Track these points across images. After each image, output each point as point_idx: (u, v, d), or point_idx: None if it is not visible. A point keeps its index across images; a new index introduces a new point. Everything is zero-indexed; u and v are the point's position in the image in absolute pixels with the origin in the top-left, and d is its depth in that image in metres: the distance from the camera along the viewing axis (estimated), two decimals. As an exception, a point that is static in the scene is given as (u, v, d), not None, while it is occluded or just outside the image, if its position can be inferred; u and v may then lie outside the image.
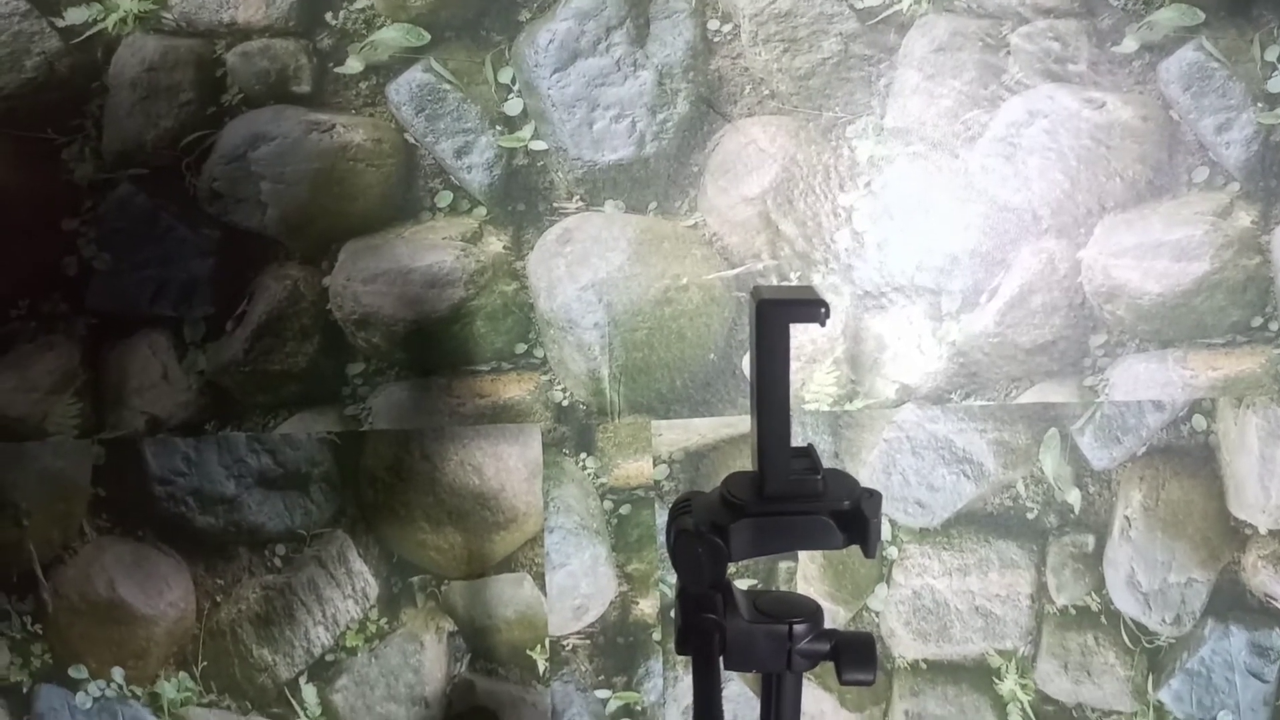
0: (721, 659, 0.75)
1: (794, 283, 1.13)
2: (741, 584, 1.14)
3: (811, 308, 0.71)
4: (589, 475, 1.16)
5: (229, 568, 1.17)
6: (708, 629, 0.74)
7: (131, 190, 1.10)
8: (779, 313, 0.71)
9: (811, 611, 0.77)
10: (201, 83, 1.09)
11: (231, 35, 1.09)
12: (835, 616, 1.18)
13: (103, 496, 1.15)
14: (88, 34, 1.08)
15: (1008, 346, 1.15)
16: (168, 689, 1.19)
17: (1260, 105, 1.12)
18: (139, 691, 1.19)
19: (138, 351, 1.13)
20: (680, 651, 0.76)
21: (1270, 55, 1.11)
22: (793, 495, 0.73)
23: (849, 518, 0.73)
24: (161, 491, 1.15)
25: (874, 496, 0.74)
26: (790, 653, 0.75)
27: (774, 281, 1.13)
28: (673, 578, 1.13)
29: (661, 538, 1.16)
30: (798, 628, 0.75)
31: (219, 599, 1.17)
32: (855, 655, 0.76)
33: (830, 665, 0.76)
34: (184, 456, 1.15)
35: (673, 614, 0.78)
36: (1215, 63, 1.11)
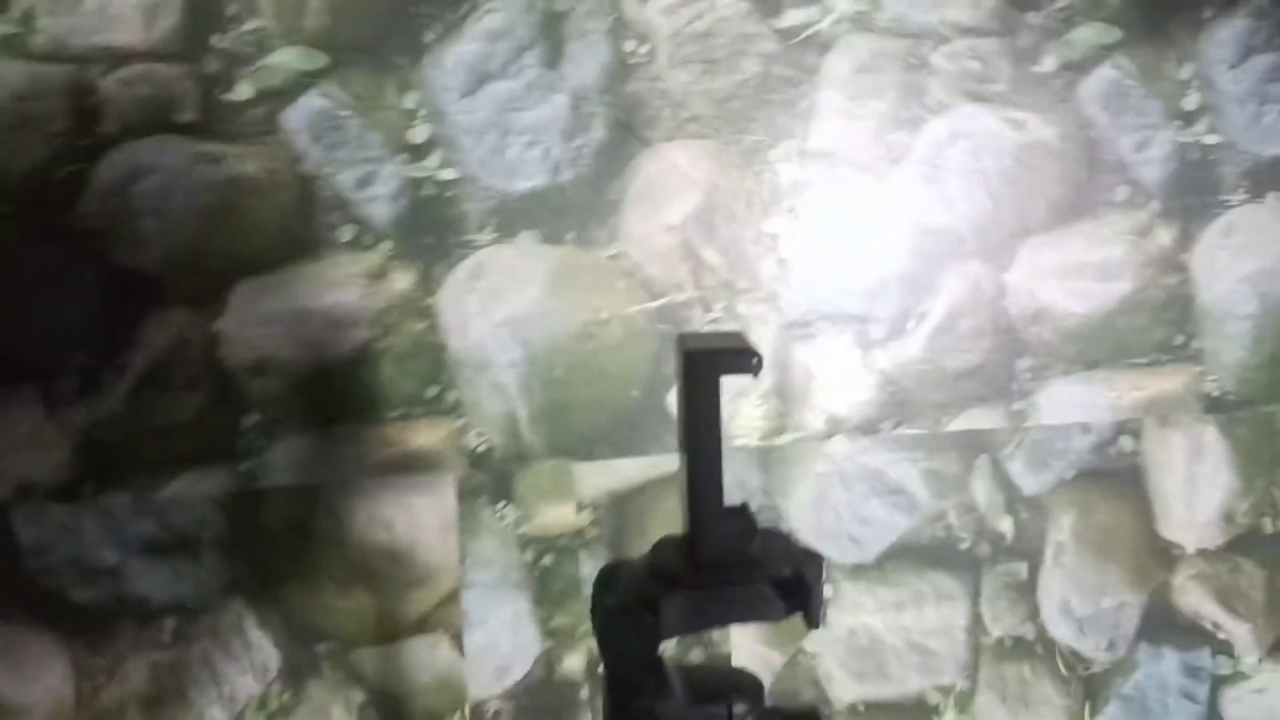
0: None
1: (717, 313, 1.23)
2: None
3: (743, 358, 0.73)
4: (508, 525, 1.23)
5: (113, 645, 1.18)
6: (638, 717, 0.75)
7: (-6, 229, 1.11)
8: (709, 366, 0.73)
9: (752, 688, 0.79)
10: (75, 112, 1.11)
11: (108, 60, 1.11)
12: (770, 661, 1.27)
13: (-37, 573, 1.15)
14: (-56, 60, 1.09)
15: (936, 373, 1.26)
16: (48, 785, 1.19)
17: (1177, 123, 1.27)
18: (15, 790, 1.19)
19: (4, 409, 1.14)
20: None
21: (1185, 73, 1.26)
22: (728, 563, 0.74)
23: (790, 585, 0.74)
24: (34, 565, 1.16)
25: (815, 560, 0.77)
26: None
27: (698, 314, 1.22)
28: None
29: (587, 590, 1.23)
30: (737, 708, 0.76)
31: (102, 681, 1.18)
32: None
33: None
34: (59, 524, 1.16)
35: (600, 697, 0.81)
36: (1132, 81, 1.26)
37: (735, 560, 0.75)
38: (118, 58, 1.12)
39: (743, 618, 0.77)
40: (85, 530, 1.17)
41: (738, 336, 0.81)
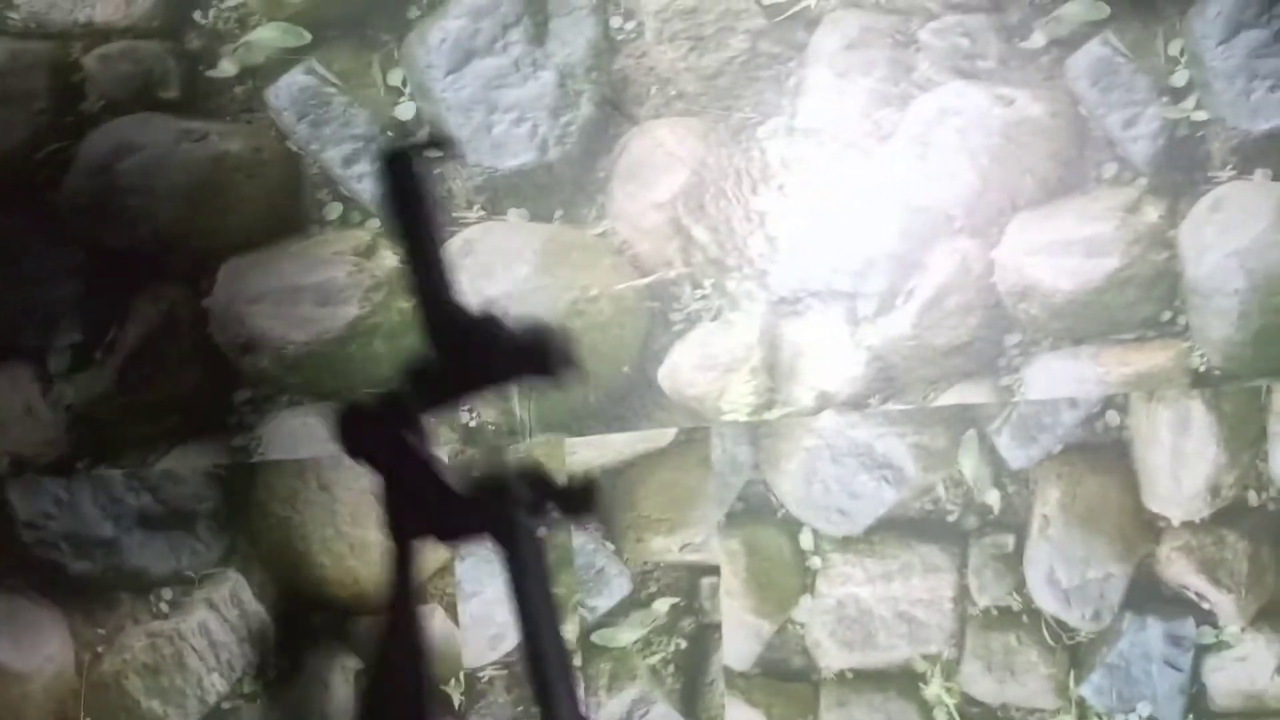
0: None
1: (706, 290, 1.09)
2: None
3: (425, 144, 0.73)
4: (500, 498, 1.10)
5: (110, 616, 1.09)
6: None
7: (-19, 208, 1.01)
8: (401, 155, 0.70)
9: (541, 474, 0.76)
10: (57, 89, 1.01)
11: (89, 37, 1.01)
12: (760, 631, 1.16)
13: (-36, 545, 1.06)
14: (-77, 37, 0.98)
15: (925, 349, 1.14)
16: (45, 752, 1.10)
17: (1165, 99, 1.13)
18: (13, 756, 1.10)
19: (-3, 386, 1.05)
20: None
21: (1174, 49, 1.12)
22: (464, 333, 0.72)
23: (528, 345, 0.72)
24: (30, 537, 1.07)
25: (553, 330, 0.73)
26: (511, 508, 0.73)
27: (687, 290, 1.09)
28: (593, 600, 1.09)
29: (579, 561, 1.11)
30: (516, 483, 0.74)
31: (100, 650, 1.09)
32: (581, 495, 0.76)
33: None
34: (54, 498, 1.07)
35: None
36: (1121, 57, 1.12)
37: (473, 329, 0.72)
38: (99, 34, 1.02)
39: (491, 380, 0.73)
40: (80, 504, 1.07)
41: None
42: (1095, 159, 1.13)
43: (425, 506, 0.72)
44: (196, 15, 1.02)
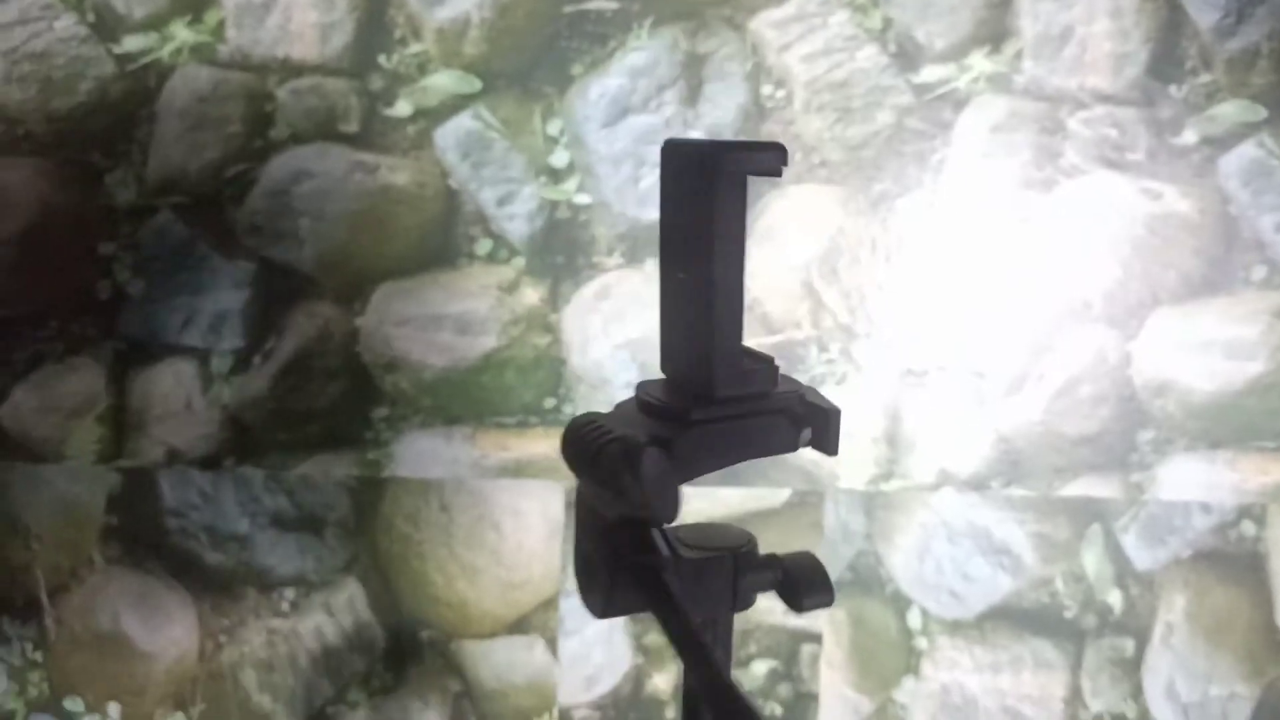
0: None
1: (833, 354, 1.11)
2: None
3: (769, 155, 0.58)
4: (610, 539, 1.13)
5: (235, 608, 1.14)
6: (656, 565, 0.59)
7: (171, 218, 1.11)
8: (737, 165, 0.58)
9: (748, 538, 0.66)
10: (250, 116, 1.10)
11: (284, 71, 1.10)
12: (859, 707, 1.14)
13: (115, 525, 1.14)
14: (143, 61, 1.09)
15: (1053, 435, 1.12)
16: (162, 730, 1.15)
17: None
18: (132, 731, 1.16)
19: (163, 380, 1.12)
20: (605, 611, 0.61)
21: None
22: (747, 390, 0.61)
23: (803, 414, 0.62)
24: (174, 525, 1.14)
25: (814, 392, 0.64)
26: (736, 586, 0.64)
27: (814, 353, 1.10)
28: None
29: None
30: (742, 555, 0.64)
31: (222, 640, 1.15)
32: (808, 578, 0.66)
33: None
34: (200, 491, 1.13)
35: (578, 579, 0.65)
36: (1277, 160, 1.10)
37: (752, 391, 0.61)
38: (293, 69, 1.11)
39: (760, 452, 0.63)
40: (223, 499, 1.14)
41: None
42: (1243, 260, 1.11)
43: (664, 560, 0.60)
44: (381, 58, 1.09)
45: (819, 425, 0.62)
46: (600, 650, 1.14)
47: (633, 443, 0.56)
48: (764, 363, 0.63)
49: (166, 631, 1.14)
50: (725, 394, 0.60)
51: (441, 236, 1.11)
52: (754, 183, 1.10)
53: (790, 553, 0.67)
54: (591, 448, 0.58)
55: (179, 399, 1.12)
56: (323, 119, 1.10)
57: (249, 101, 1.09)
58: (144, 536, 1.13)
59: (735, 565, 0.64)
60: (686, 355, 0.62)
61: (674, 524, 0.61)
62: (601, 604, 0.61)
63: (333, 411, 1.12)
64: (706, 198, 0.58)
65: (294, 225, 1.11)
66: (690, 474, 0.60)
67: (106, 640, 1.14)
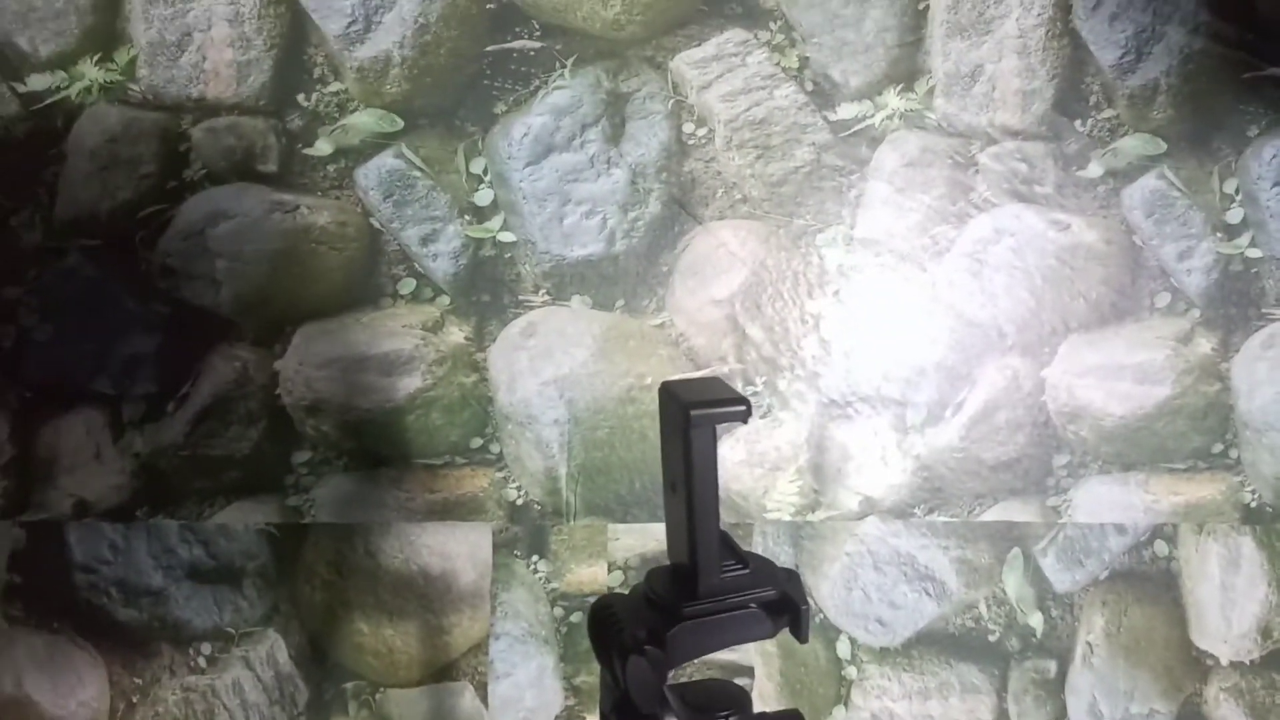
0: None
1: (758, 388, 1.12)
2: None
3: (736, 410, 0.70)
4: (540, 579, 1.12)
5: (149, 666, 1.10)
6: None
7: (80, 260, 1.08)
8: (707, 418, 0.69)
9: (741, 701, 0.77)
10: (164, 156, 1.08)
11: (199, 110, 1.08)
12: None
13: (18, 584, 1.09)
14: (49, 100, 1.07)
15: (972, 462, 1.14)
16: (72, 798, 1.10)
17: (1219, 235, 1.15)
18: (39, 800, 1.10)
19: (72, 429, 1.09)
20: None
21: (1229, 187, 1.15)
22: (725, 591, 0.72)
23: (778, 605, 0.73)
24: (83, 580, 1.09)
25: (794, 577, 0.75)
26: None
27: (739, 386, 1.11)
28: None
29: None
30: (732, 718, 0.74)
31: (135, 700, 1.11)
32: None
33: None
34: (110, 543, 1.10)
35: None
36: (1177, 192, 1.15)
37: (731, 588, 0.72)
38: (209, 109, 1.09)
39: (738, 640, 0.74)
40: (135, 551, 1.11)
41: (719, 383, 0.76)
42: (1149, 288, 1.15)
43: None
44: (300, 97, 1.08)
45: (793, 616, 0.73)
46: (531, 694, 1.12)
47: (628, 646, 0.70)
48: (742, 567, 0.73)
49: (76, 694, 1.10)
50: (707, 594, 0.71)
51: (364, 276, 1.10)
52: (678, 219, 1.12)
53: (778, 711, 0.79)
54: (598, 637, 0.74)
55: (88, 448, 1.08)
56: (240, 159, 1.08)
57: (163, 141, 1.07)
58: (50, 594, 1.09)
59: None
60: (679, 556, 0.73)
61: (681, 680, 0.76)
62: None
63: (252, 458, 1.10)
64: (684, 438, 0.69)
65: (210, 267, 1.08)
66: (681, 659, 0.72)
67: (9, 705, 1.09)
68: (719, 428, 0.70)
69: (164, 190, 1.08)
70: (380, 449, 1.11)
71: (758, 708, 1.11)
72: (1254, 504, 1.15)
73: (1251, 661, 1.16)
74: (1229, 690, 1.16)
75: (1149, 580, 1.16)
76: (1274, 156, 1.15)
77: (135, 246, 1.07)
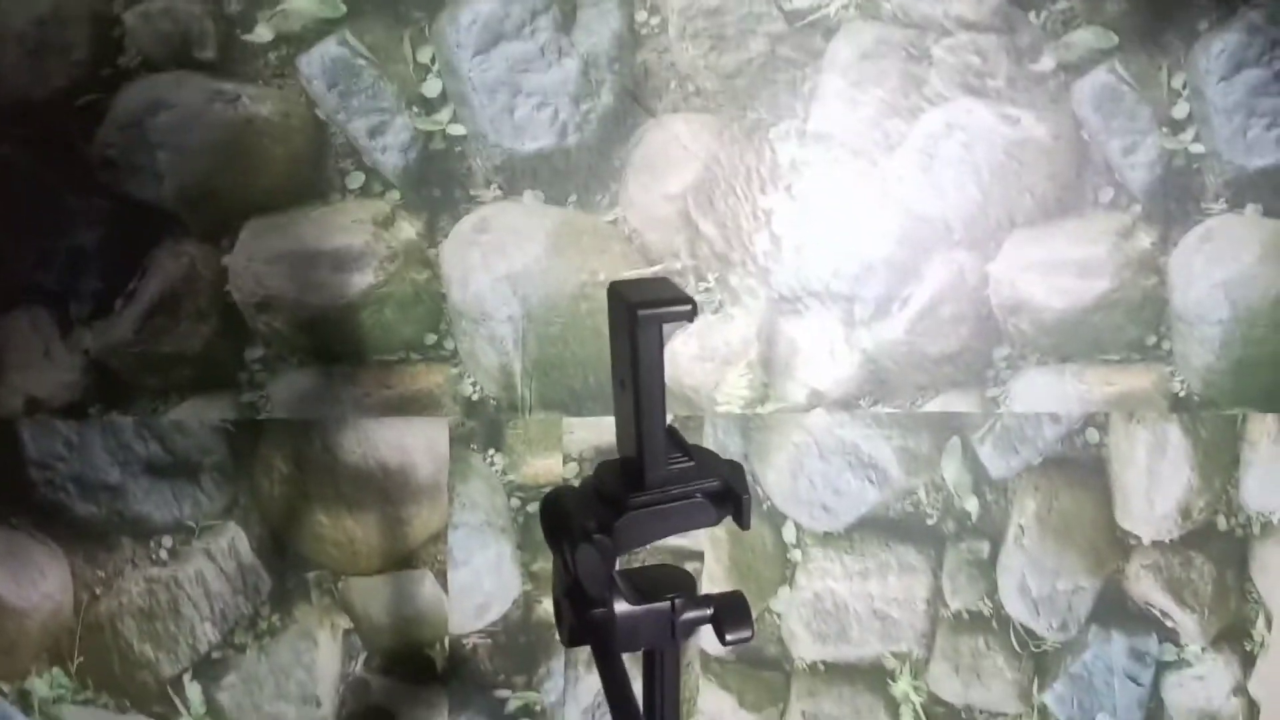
0: None
1: (710, 283, 1.13)
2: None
3: (682, 310, 0.71)
4: (496, 472, 1.14)
5: (110, 559, 1.11)
6: (604, 622, 0.75)
7: (14, 152, 1.04)
8: (653, 318, 0.71)
9: (687, 584, 0.80)
10: (97, 42, 1.03)
11: None
12: None
13: (-30, 480, 1.08)
14: (-30, -18, 1.00)
15: (916, 355, 1.17)
16: (39, 685, 1.13)
17: (1165, 130, 1.16)
18: (7, 689, 1.13)
19: (17, 327, 1.07)
20: (571, 644, 0.78)
21: (1176, 82, 1.16)
22: (671, 482, 0.75)
23: (721, 495, 0.76)
24: (39, 477, 1.09)
25: (737, 469, 0.78)
26: (674, 626, 0.78)
27: (691, 282, 1.12)
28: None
29: None
30: (679, 602, 0.77)
31: (99, 591, 1.12)
32: (733, 616, 0.79)
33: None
34: (65, 440, 1.09)
35: (554, 608, 0.81)
36: (1126, 86, 1.15)
37: (677, 479, 0.75)
38: None
39: (683, 528, 0.77)
40: (90, 448, 1.10)
41: (667, 283, 0.77)
42: (1094, 183, 1.16)
43: (609, 617, 0.75)
44: (237, -20, 1.04)
45: (735, 505, 0.75)
46: (490, 579, 1.16)
47: (578, 536, 0.73)
48: (688, 459, 0.76)
49: (38, 586, 1.11)
50: (653, 486, 0.74)
51: (311, 170, 1.08)
52: (631, 111, 1.10)
53: (722, 592, 0.80)
54: (550, 527, 0.77)
55: (37, 346, 1.07)
56: (176, 45, 1.04)
57: (94, 25, 1.03)
58: (7, 490, 1.09)
59: (674, 608, 0.77)
60: (627, 450, 0.75)
61: (633, 566, 0.81)
62: (566, 639, 0.78)
63: (204, 354, 1.09)
64: (631, 337, 0.71)
65: (151, 159, 1.05)
66: (629, 547, 0.75)
67: (-28, 599, 1.11)
68: (667, 326, 0.71)
69: (99, 78, 1.03)
70: (334, 345, 1.10)
71: (706, 590, 1.18)
72: (1182, 394, 1.20)
73: (1171, 540, 1.22)
74: (1149, 567, 1.22)
75: (1080, 466, 1.21)
76: (1222, 51, 1.16)
77: (72, 138, 1.04)
